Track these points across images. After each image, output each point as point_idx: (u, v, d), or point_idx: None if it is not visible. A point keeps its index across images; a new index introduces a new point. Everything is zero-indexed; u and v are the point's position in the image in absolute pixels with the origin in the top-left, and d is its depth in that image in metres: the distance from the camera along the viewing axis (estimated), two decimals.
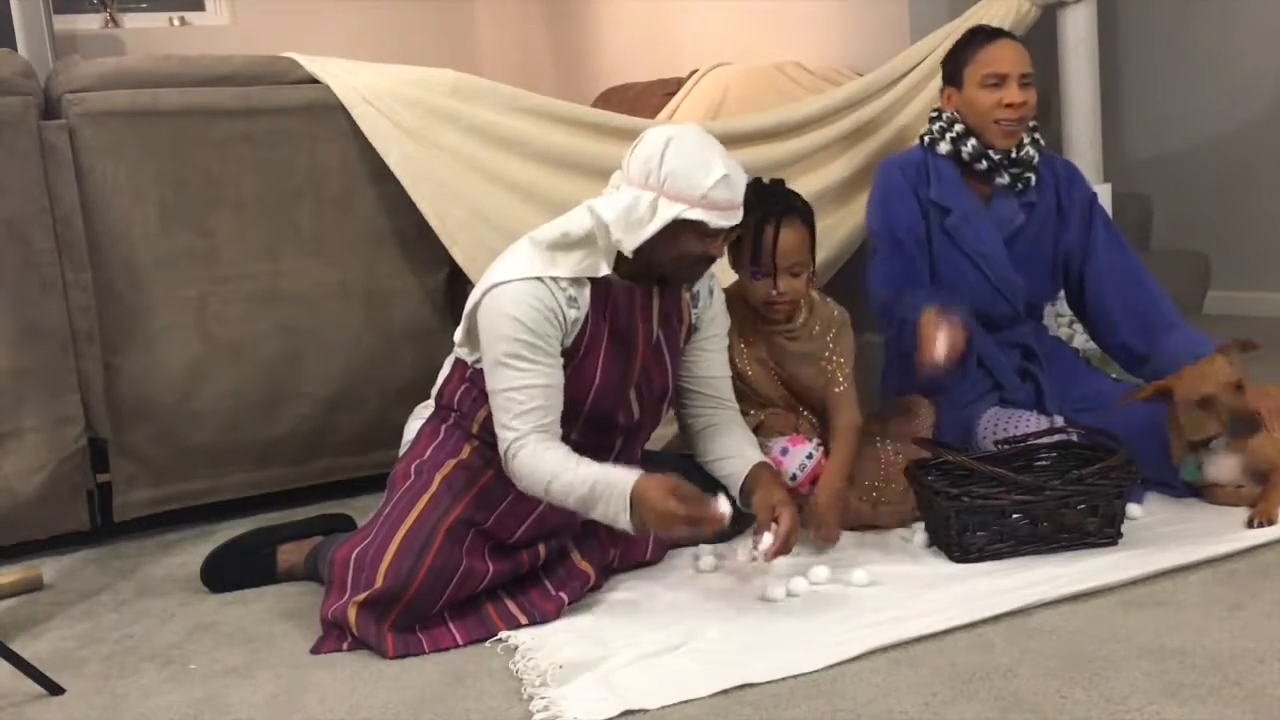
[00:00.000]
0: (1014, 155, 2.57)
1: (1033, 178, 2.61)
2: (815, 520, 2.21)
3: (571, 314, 2.01)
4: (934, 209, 2.59)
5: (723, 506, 1.90)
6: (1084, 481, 2.08)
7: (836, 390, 2.42)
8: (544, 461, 1.95)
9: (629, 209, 1.96)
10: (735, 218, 1.99)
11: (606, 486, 1.92)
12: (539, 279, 1.98)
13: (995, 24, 3.18)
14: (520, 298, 1.97)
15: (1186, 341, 2.52)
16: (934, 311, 2.31)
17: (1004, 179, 2.58)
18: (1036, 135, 2.63)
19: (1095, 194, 2.74)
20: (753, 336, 2.45)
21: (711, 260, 2.06)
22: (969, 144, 2.56)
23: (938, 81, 3.22)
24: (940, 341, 2.27)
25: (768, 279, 2.35)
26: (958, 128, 2.59)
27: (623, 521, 1.92)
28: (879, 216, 2.62)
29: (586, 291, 2.03)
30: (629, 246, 1.96)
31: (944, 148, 2.59)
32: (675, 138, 1.98)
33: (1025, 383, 2.60)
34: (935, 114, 2.66)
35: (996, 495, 2.08)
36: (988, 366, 2.59)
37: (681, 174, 1.94)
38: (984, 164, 2.57)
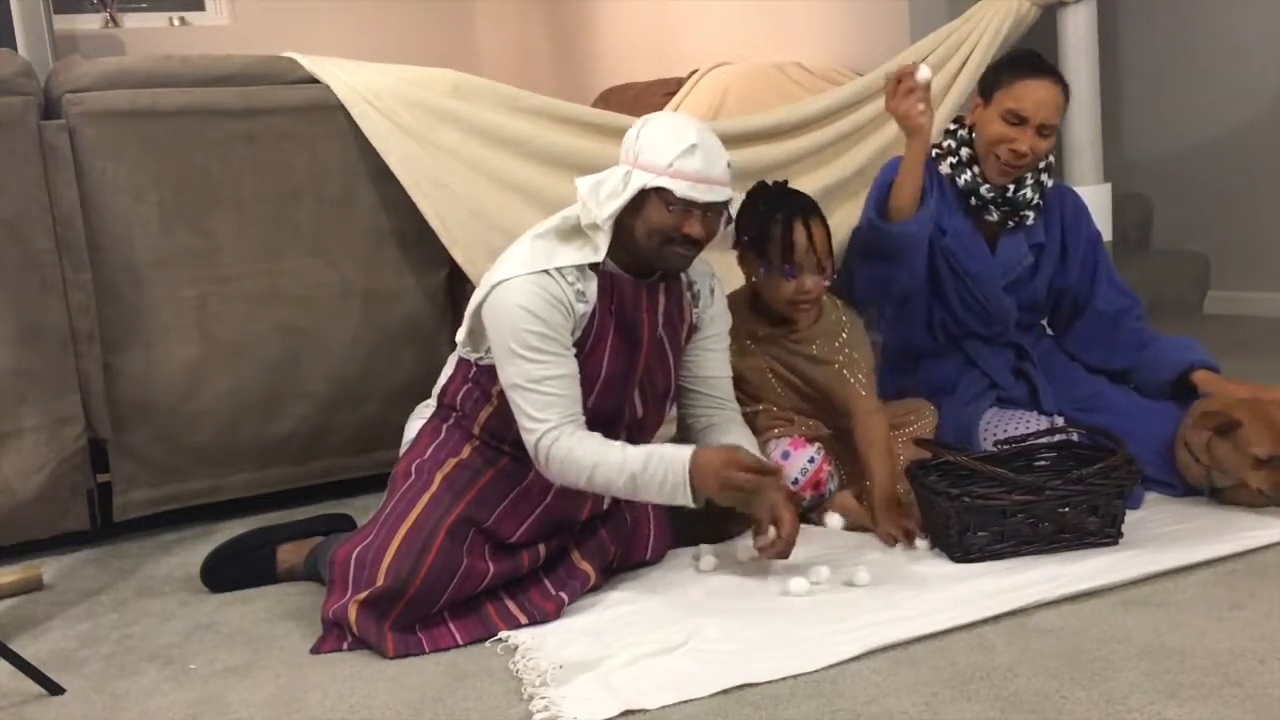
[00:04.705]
0: (1008, 194, 2.52)
1: (1030, 216, 2.55)
2: (884, 528, 2.23)
3: (580, 308, 2.01)
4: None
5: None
6: (1085, 481, 2.07)
7: (862, 395, 2.39)
8: (586, 450, 1.96)
9: (601, 181, 2.01)
10: (707, 193, 1.98)
11: (662, 462, 1.95)
12: (544, 271, 1.99)
13: (995, 24, 3.19)
14: (527, 289, 1.97)
15: (1175, 347, 2.56)
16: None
17: (993, 216, 2.54)
18: (1043, 177, 2.56)
19: (1099, 234, 2.70)
20: (758, 343, 2.44)
21: (690, 241, 2.02)
22: (965, 175, 2.53)
23: (939, 81, 3.22)
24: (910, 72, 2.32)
25: (802, 278, 2.33)
26: (964, 152, 2.54)
27: (681, 497, 1.96)
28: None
29: (593, 285, 2.03)
30: (601, 218, 1.98)
31: (944, 169, 2.56)
32: (655, 116, 2.04)
33: (1019, 381, 2.61)
34: (951, 128, 2.60)
35: (997, 495, 2.08)
36: (982, 367, 2.60)
37: (652, 144, 1.98)
38: (974, 200, 2.53)
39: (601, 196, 1.99)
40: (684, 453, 1.96)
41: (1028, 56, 2.51)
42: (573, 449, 1.96)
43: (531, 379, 1.97)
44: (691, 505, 1.97)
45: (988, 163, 2.50)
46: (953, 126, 2.61)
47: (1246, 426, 2.21)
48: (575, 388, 2.01)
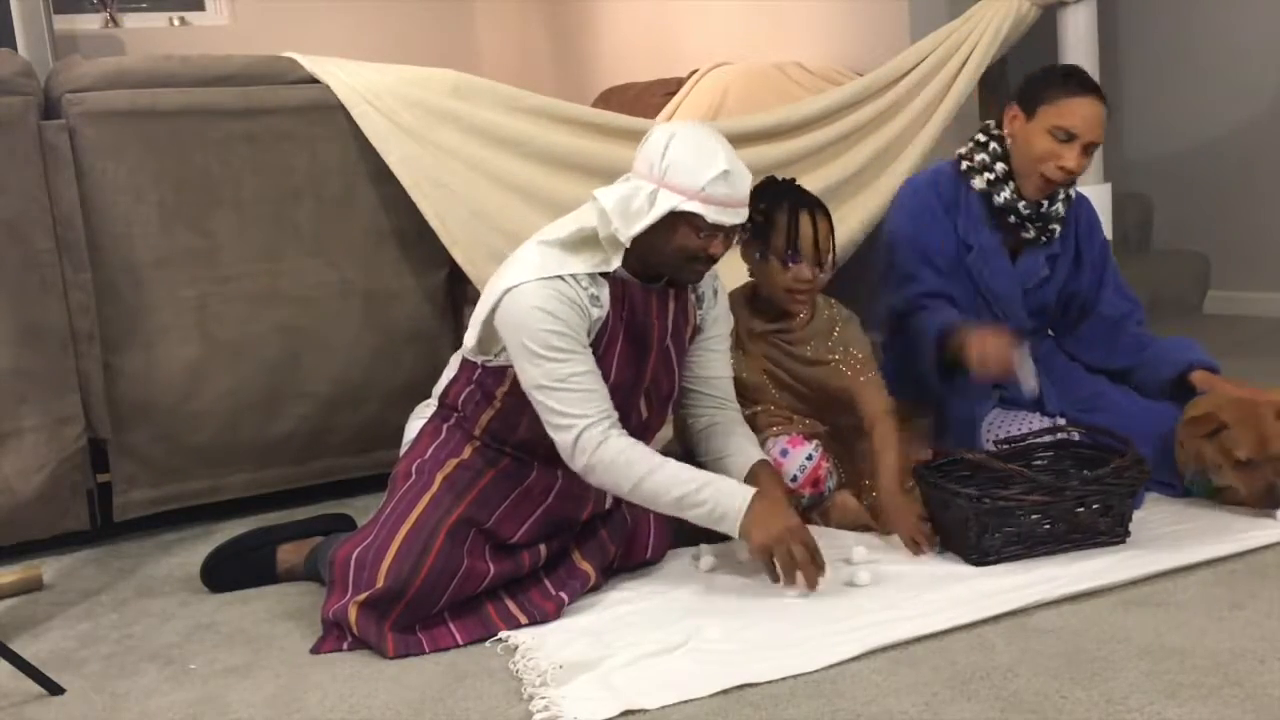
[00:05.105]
0: (1042, 209, 2.49)
1: (1058, 230, 2.54)
2: (902, 534, 2.20)
3: (595, 312, 2.01)
4: (959, 238, 2.53)
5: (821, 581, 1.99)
6: (1101, 481, 2.07)
7: (861, 380, 2.38)
8: (636, 456, 1.97)
9: (627, 198, 1.97)
10: (735, 216, 1.99)
11: (717, 494, 1.98)
12: (558, 276, 1.98)
13: (995, 24, 3.19)
14: (541, 291, 1.96)
15: (1175, 347, 2.55)
16: (978, 332, 2.29)
17: (1029, 234, 2.52)
18: (1070, 191, 2.55)
19: (1109, 242, 2.71)
20: (754, 340, 2.44)
21: (712, 260, 2.05)
22: (1003, 193, 2.47)
23: (939, 81, 3.22)
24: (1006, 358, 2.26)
25: (801, 266, 2.33)
26: (999, 167, 2.49)
27: (725, 527, 1.98)
28: (909, 234, 2.52)
29: (606, 291, 2.03)
30: (625, 235, 1.96)
31: (978, 184, 2.50)
32: (681, 131, 2.00)
33: None
34: (982, 139, 2.54)
35: (1017, 496, 2.06)
36: None
37: (682, 166, 1.95)
38: (1012, 217, 2.49)
39: (628, 214, 1.97)
40: (743, 492, 1.99)
41: (1075, 71, 2.48)
42: (625, 450, 1.96)
43: (557, 378, 1.96)
44: (733, 535, 2.00)
45: (1028, 179, 2.45)
46: (982, 139, 2.54)
47: (1232, 428, 2.21)
48: (601, 383, 2.00)
